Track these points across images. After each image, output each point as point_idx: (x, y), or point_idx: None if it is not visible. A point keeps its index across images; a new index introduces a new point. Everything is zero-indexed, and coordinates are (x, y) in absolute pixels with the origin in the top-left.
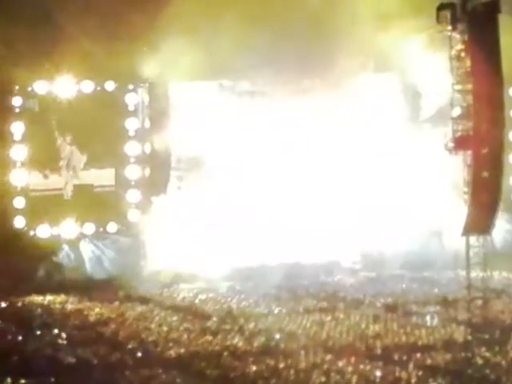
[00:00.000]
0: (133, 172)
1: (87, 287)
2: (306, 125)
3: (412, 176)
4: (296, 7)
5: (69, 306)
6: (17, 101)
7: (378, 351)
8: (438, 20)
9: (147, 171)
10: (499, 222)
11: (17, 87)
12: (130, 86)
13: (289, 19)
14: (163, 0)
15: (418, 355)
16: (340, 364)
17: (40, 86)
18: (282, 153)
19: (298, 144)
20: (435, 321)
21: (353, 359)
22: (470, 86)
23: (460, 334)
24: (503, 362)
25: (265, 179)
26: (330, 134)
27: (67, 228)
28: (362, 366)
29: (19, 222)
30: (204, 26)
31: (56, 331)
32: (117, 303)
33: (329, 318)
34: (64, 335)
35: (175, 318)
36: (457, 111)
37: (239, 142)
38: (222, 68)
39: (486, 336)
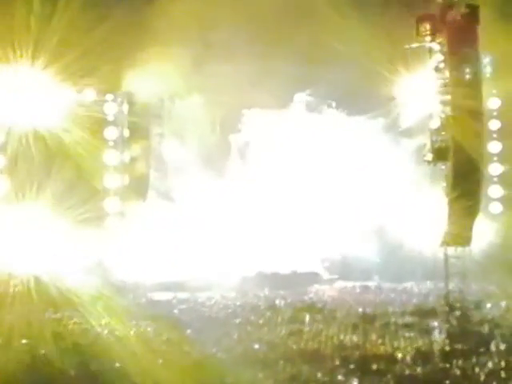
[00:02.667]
0: (112, 180)
1: (66, 297)
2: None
3: (391, 188)
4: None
5: (47, 316)
6: None
7: (357, 362)
8: (418, 32)
9: (126, 179)
10: (478, 233)
11: None
12: (110, 96)
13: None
14: (146, 13)
15: (397, 366)
16: (318, 374)
17: None
18: (263, 166)
19: (276, 158)
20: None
21: (331, 369)
22: (448, 97)
23: (438, 344)
24: (481, 373)
25: (246, 192)
26: (317, 150)
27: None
28: (340, 377)
29: None
30: (188, 40)
31: (34, 341)
32: (95, 313)
33: (307, 328)
34: (42, 345)
35: (154, 328)
36: (436, 122)
37: (223, 153)
38: (207, 82)
39: (464, 347)
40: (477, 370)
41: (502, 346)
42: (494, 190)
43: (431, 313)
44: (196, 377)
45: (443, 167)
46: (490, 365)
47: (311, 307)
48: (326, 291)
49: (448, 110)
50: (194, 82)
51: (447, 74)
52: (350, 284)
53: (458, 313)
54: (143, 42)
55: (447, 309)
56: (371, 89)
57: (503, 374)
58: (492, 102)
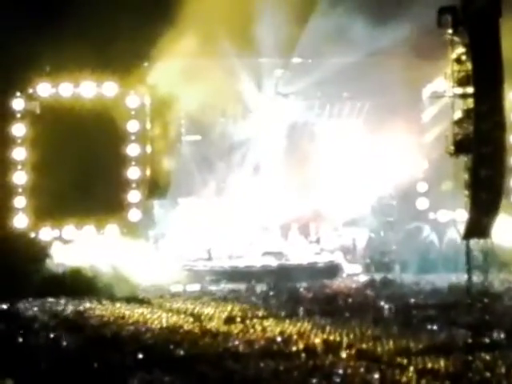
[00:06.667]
0: (134, 173)
1: (88, 289)
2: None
3: (411, 180)
4: None
5: (69, 308)
6: (18, 103)
7: (379, 354)
8: (439, 23)
9: (148, 172)
10: (500, 224)
11: (18, 90)
12: (132, 90)
13: None
14: (169, 7)
15: (419, 359)
16: (340, 367)
17: (42, 89)
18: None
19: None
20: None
21: (353, 362)
22: (470, 90)
23: (460, 337)
24: (503, 366)
25: (266, 184)
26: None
27: (68, 229)
28: (362, 370)
29: (20, 222)
30: (212, 34)
31: (56, 333)
32: (117, 305)
33: (329, 320)
34: (64, 337)
35: (176, 321)
36: (457, 114)
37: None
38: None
39: (487, 339)
40: (499, 362)
41: None
42: None
43: (453, 306)
44: (218, 369)
45: (465, 159)
46: None
47: (333, 300)
48: (348, 284)
49: (470, 102)
50: (215, 74)
51: (469, 65)
52: (371, 277)
53: (480, 305)
54: (167, 35)
55: (469, 301)
56: (396, 83)
57: None
58: None
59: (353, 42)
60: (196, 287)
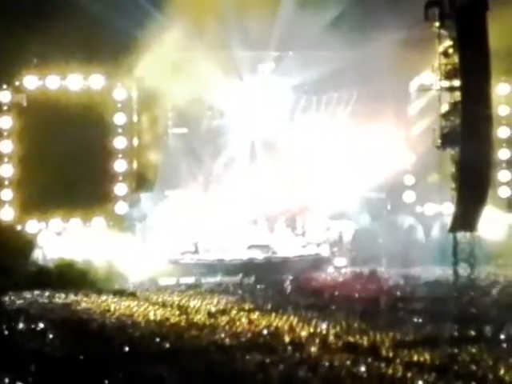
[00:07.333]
0: (120, 166)
1: (74, 282)
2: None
3: (398, 173)
4: None
5: (56, 301)
6: (5, 96)
7: (365, 347)
8: (427, 17)
9: (135, 165)
10: (486, 218)
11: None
12: (119, 83)
13: None
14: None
15: (405, 351)
16: (326, 359)
17: (28, 81)
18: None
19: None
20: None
21: (339, 355)
22: (457, 83)
23: (446, 330)
24: (489, 359)
25: (254, 176)
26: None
27: (54, 222)
28: (348, 362)
29: (6, 215)
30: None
31: (42, 326)
32: (104, 298)
33: (316, 313)
34: (50, 330)
35: (162, 313)
36: (444, 107)
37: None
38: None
39: (473, 332)
40: (485, 355)
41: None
42: (503, 175)
43: (440, 299)
44: (205, 362)
45: (452, 152)
46: (498, 350)
47: (320, 293)
48: (335, 277)
49: (457, 95)
50: (202, 67)
51: (456, 59)
52: (358, 270)
53: (466, 298)
54: (154, 28)
55: (456, 294)
56: (382, 75)
57: None
58: (501, 88)
59: (340, 34)
60: (183, 280)
